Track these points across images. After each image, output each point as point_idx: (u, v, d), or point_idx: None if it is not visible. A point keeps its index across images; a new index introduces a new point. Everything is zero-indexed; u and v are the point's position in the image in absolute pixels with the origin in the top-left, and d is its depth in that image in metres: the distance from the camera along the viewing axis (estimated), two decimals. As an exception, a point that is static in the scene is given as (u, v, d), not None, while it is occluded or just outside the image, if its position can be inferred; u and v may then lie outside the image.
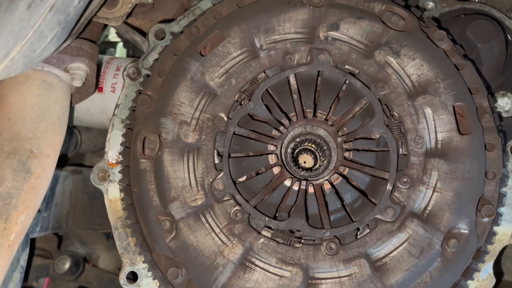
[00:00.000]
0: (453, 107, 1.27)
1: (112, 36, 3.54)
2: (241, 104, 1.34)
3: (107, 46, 3.28)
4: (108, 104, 1.93)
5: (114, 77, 1.94)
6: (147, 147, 1.33)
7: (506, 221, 1.39)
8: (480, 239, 1.28)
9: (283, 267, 1.24)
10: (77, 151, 2.41)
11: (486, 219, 1.27)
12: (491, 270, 1.38)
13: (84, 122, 2.05)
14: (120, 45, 3.37)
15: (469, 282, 1.33)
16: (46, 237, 2.43)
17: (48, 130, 1.45)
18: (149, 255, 1.36)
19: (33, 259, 2.35)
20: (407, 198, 1.25)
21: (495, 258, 1.40)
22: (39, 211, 1.96)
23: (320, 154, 1.42)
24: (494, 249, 1.37)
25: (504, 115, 1.47)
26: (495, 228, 1.33)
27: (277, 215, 1.30)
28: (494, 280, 1.39)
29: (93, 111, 1.98)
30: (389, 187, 1.24)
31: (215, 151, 1.31)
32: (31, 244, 2.15)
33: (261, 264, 1.25)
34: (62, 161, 2.37)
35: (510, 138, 1.43)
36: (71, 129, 2.32)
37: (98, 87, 1.92)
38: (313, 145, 1.43)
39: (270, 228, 1.28)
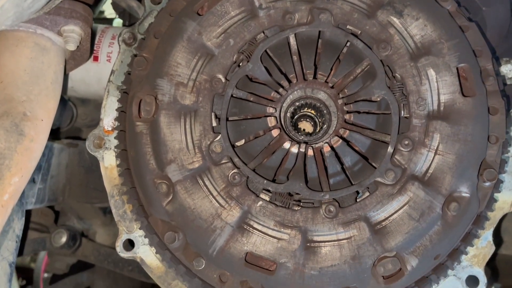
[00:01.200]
0: (457, 68, 1.24)
1: (108, 12, 3.48)
2: (239, 65, 1.30)
3: (103, 23, 3.23)
4: (104, 73, 1.89)
5: (110, 46, 1.89)
6: (143, 110, 1.30)
7: (507, 189, 1.37)
8: (481, 204, 1.27)
9: (282, 230, 1.22)
10: (73, 125, 2.38)
11: (487, 184, 1.25)
12: (490, 238, 1.37)
13: (79, 92, 2.01)
14: (116, 21, 3.31)
15: (468, 248, 1.31)
16: (42, 211, 2.42)
17: (41, 94, 1.42)
18: (145, 221, 1.34)
19: (29, 232, 2.34)
20: (408, 161, 1.23)
21: (495, 226, 1.38)
22: (34, 182, 1.94)
23: (320, 120, 1.40)
24: (494, 216, 1.36)
25: (508, 82, 1.44)
26: (496, 195, 1.32)
27: (275, 178, 1.28)
28: (493, 248, 1.37)
29: (88, 80, 1.94)
30: (390, 149, 1.22)
31: (212, 113, 1.28)
32: (27, 217, 2.13)
33: (259, 227, 1.23)
34: (58, 135, 2.34)
35: (513, 105, 1.40)
36: (66, 102, 2.29)
37: (93, 57, 1.88)
38: (313, 111, 1.40)
39: (268, 191, 1.26)
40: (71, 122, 2.35)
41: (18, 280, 3.50)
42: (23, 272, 3.78)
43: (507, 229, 2.03)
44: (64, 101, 2.25)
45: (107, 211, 2.47)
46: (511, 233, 2.03)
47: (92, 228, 2.47)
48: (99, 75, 1.91)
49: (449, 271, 1.31)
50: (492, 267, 2.17)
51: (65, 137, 2.33)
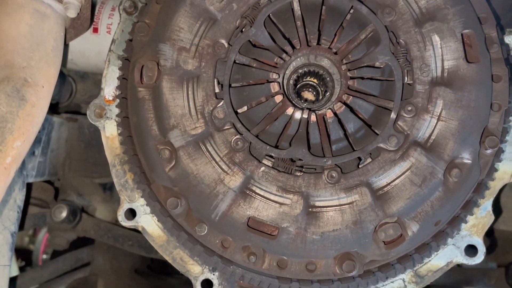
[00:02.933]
0: (462, 34, 1.23)
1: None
2: (242, 30, 1.29)
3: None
4: (104, 45, 1.87)
5: (110, 18, 1.87)
6: (145, 75, 1.29)
7: (508, 160, 1.38)
8: (482, 171, 1.27)
9: (284, 195, 1.23)
10: (72, 101, 2.37)
11: (489, 151, 1.25)
12: (490, 208, 1.38)
13: (79, 65, 1.99)
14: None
15: (468, 217, 1.33)
16: (42, 187, 2.42)
17: (42, 61, 1.41)
18: (147, 188, 1.34)
19: (30, 208, 2.34)
20: (411, 126, 1.23)
21: (494, 196, 1.39)
22: (34, 155, 1.94)
23: (322, 89, 1.39)
24: (494, 186, 1.37)
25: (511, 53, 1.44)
26: (497, 165, 1.32)
27: (278, 144, 1.28)
28: (492, 218, 1.39)
29: (88, 53, 1.92)
30: (393, 115, 1.22)
31: (215, 79, 1.27)
32: (28, 191, 2.13)
33: (262, 192, 1.24)
34: (57, 110, 2.33)
35: (517, 76, 1.40)
36: (65, 77, 2.27)
37: (93, 28, 1.86)
38: (315, 80, 1.39)
39: (271, 157, 1.26)
40: (70, 97, 2.34)
41: (17, 261, 3.52)
42: (22, 253, 3.80)
43: (505, 204, 2.05)
44: (63, 76, 2.24)
45: (106, 188, 2.47)
46: (509, 209, 2.05)
47: (92, 204, 2.48)
48: (99, 47, 1.89)
49: (449, 240, 1.33)
50: (490, 242, 2.20)
51: (64, 112, 2.32)
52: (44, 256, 3.47)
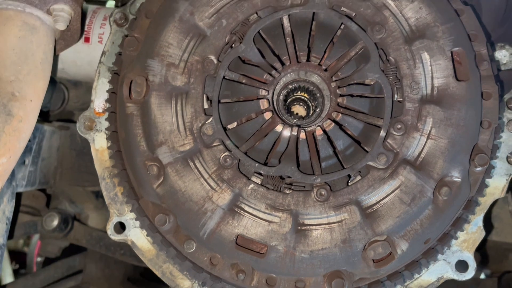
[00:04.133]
0: (451, 52, 1.23)
1: (101, -6, 3.42)
2: (231, 46, 1.28)
3: (95, 4, 3.17)
4: (95, 55, 1.85)
5: (101, 27, 1.86)
6: (134, 91, 1.28)
7: (498, 175, 1.37)
8: (472, 188, 1.27)
9: (273, 213, 1.22)
10: (64, 108, 2.36)
11: (479, 169, 1.25)
12: (481, 223, 1.38)
13: (70, 74, 1.98)
14: (109, 3, 3.25)
15: (458, 233, 1.32)
16: (34, 194, 2.41)
17: (30, 74, 1.39)
18: (136, 203, 1.33)
19: (20, 215, 2.32)
20: (400, 145, 1.22)
21: (485, 211, 1.39)
22: (24, 164, 1.92)
23: (313, 104, 1.39)
24: (485, 202, 1.36)
25: (502, 67, 1.43)
26: (487, 181, 1.32)
27: (267, 161, 1.27)
28: (483, 233, 1.38)
29: (79, 62, 1.91)
30: (382, 133, 1.21)
31: (204, 95, 1.27)
32: (18, 200, 2.12)
33: (250, 210, 1.23)
34: (48, 118, 2.32)
35: (507, 91, 1.40)
36: (57, 84, 2.26)
37: (85, 38, 1.84)
38: (306, 94, 1.39)
39: (260, 174, 1.26)
40: (62, 105, 2.32)
41: (11, 264, 3.50)
42: (17, 256, 3.78)
43: (498, 215, 2.05)
44: (54, 84, 2.22)
45: (99, 195, 2.46)
46: (502, 220, 2.05)
47: (84, 212, 2.46)
48: (90, 57, 1.88)
49: (439, 256, 1.32)
50: (482, 253, 2.20)
51: (56, 120, 2.31)
52: (39, 259, 3.45)
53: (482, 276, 2.33)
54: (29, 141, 1.94)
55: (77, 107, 2.37)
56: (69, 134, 2.20)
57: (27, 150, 1.93)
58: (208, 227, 1.23)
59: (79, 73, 1.95)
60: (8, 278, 2.90)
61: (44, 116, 2.27)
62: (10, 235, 2.02)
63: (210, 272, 1.27)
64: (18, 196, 2.17)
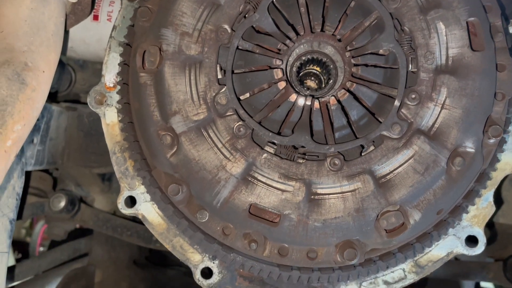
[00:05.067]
0: (467, 22, 1.22)
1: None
2: (245, 16, 1.28)
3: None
4: (104, 33, 1.86)
5: (110, 5, 1.86)
6: (147, 60, 1.28)
7: (509, 150, 1.37)
8: (485, 161, 1.27)
9: (286, 182, 1.22)
10: (71, 90, 2.36)
11: (492, 140, 1.25)
12: (491, 199, 1.38)
13: (78, 52, 1.98)
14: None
15: (470, 207, 1.32)
16: (41, 176, 2.41)
17: (42, 45, 1.39)
18: (148, 174, 1.33)
19: (28, 197, 2.33)
20: (414, 115, 1.22)
21: (496, 187, 1.39)
22: (33, 143, 1.92)
23: (325, 77, 1.39)
24: (496, 177, 1.36)
25: (516, 42, 1.43)
26: (499, 155, 1.32)
27: (281, 131, 1.27)
28: (493, 209, 1.38)
29: (88, 40, 1.91)
30: (396, 103, 1.21)
31: (218, 65, 1.26)
32: (26, 180, 2.12)
33: (264, 179, 1.23)
34: (56, 99, 2.32)
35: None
36: (65, 66, 2.26)
37: (93, 16, 1.84)
38: (318, 68, 1.38)
39: (273, 144, 1.26)
40: (70, 86, 2.32)
41: (14, 253, 3.51)
42: (19, 246, 3.78)
43: (505, 198, 2.05)
44: (62, 65, 2.22)
45: (105, 178, 2.46)
46: (509, 202, 2.05)
47: (90, 195, 2.47)
48: (99, 35, 1.88)
49: (450, 230, 1.32)
50: (489, 236, 2.20)
51: (63, 101, 2.31)
52: (41, 249, 3.46)
53: (487, 260, 2.33)
54: (38, 119, 1.94)
55: (84, 89, 2.37)
56: (77, 115, 2.20)
57: (36, 129, 1.93)
58: (221, 196, 1.23)
59: (88, 51, 1.95)
60: (10, 263, 2.91)
61: (52, 97, 2.27)
62: (19, 215, 2.02)
63: (222, 242, 1.27)
64: (27, 176, 2.17)
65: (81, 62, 2.32)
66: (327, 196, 1.22)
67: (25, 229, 4.05)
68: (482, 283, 2.81)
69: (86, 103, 2.26)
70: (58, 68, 1.62)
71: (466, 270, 2.27)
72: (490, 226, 2.16)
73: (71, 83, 2.32)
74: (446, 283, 2.40)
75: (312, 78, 1.42)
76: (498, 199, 2.02)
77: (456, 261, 2.32)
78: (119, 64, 1.43)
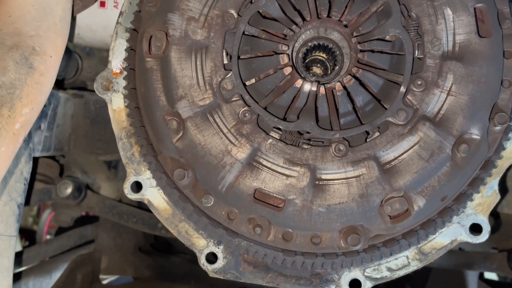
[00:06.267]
0: (474, 8, 1.22)
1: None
2: (252, 1, 1.28)
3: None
4: (111, 20, 1.86)
5: (117, -8, 1.86)
6: (154, 45, 1.29)
7: (515, 139, 1.36)
8: (490, 148, 1.27)
9: (291, 167, 1.23)
10: (78, 78, 2.37)
11: (498, 128, 1.25)
12: (496, 187, 1.38)
13: (85, 39, 1.98)
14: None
15: (474, 195, 1.32)
16: (48, 163, 2.43)
17: (50, 30, 1.40)
18: (154, 159, 1.34)
19: (35, 183, 2.35)
20: (420, 101, 1.22)
21: (501, 175, 1.39)
22: (40, 129, 1.94)
23: (331, 64, 1.38)
24: (501, 165, 1.36)
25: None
26: (504, 143, 1.31)
27: (286, 117, 1.28)
28: (498, 197, 1.38)
29: (95, 27, 1.91)
30: (402, 89, 1.21)
31: (224, 50, 1.27)
32: (34, 167, 2.14)
33: (269, 164, 1.24)
34: (63, 86, 2.33)
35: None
36: (71, 53, 2.27)
37: (100, 2, 1.85)
38: (324, 54, 1.38)
39: (278, 129, 1.26)
40: (76, 74, 2.34)
41: (21, 241, 3.55)
42: (26, 234, 3.83)
43: (510, 187, 2.05)
44: (69, 52, 2.23)
45: (111, 166, 2.48)
46: (512, 192, 2.04)
47: (97, 182, 2.49)
48: (105, 22, 1.88)
49: (454, 218, 1.33)
50: (493, 227, 2.20)
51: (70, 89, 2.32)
52: (48, 237, 3.50)
53: (491, 250, 2.33)
54: (45, 106, 1.96)
55: (90, 77, 2.38)
56: (83, 102, 2.21)
57: (43, 115, 1.95)
58: (226, 180, 1.24)
59: (95, 38, 1.96)
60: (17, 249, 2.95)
61: (58, 85, 2.28)
62: (26, 201, 2.05)
63: (227, 227, 1.29)
64: (34, 162, 2.20)
65: (88, 50, 2.33)
66: (331, 181, 1.22)
67: (32, 217, 4.10)
68: (486, 274, 2.81)
69: (92, 91, 2.28)
70: (65, 55, 1.64)
71: (470, 260, 2.27)
72: (494, 217, 2.16)
73: (78, 70, 2.34)
74: (449, 273, 2.41)
75: (318, 64, 1.42)
76: (503, 189, 2.02)
77: (460, 251, 2.32)
78: (125, 50, 1.43)
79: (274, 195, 1.24)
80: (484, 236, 1.37)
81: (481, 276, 2.61)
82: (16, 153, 1.27)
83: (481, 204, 1.36)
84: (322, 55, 1.39)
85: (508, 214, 2.10)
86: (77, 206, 2.38)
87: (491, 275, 2.95)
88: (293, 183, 1.22)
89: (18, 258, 2.31)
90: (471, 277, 2.45)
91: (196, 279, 2.41)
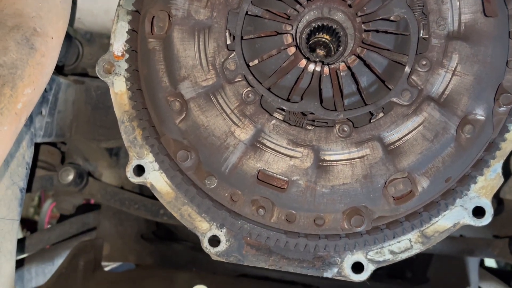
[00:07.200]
0: (480, -13, 1.20)
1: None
2: (255, -19, 1.26)
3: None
4: (111, 4, 1.85)
5: (118, -25, 1.84)
6: (156, 26, 1.28)
7: (519, 122, 1.36)
8: (495, 129, 1.26)
9: (294, 148, 1.22)
10: (78, 65, 2.36)
11: (503, 108, 1.24)
12: (500, 170, 1.37)
13: (86, 24, 1.97)
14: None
15: (478, 178, 1.32)
16: (49, 150, 2.43)
17: (51, 12, 1.39)
18: (156, 142, 1.34)
19: (37, 170, 2.35)
20: (425, 81, 1.21)
21: (505, 158, 1.38)
22: (42, 114, 1.93)
23: (335, 46, 1.37)
24: (505, 148, 1.36)
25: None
26: (509, 125, 1.31)
27: (290, 98, 1.27)
28: (502, 180, 1.38)
29: (96, 11, 1.90)
30: (407, 69, 1.20)
31: (227, 31, 1.26)
32: (35, 153, 2.14)
33: (272, 145, 1.23)
34: (64, 72, 2.32)
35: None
36: (72, 39, 2.25)
37: (101, -14, 1.83)
38: (328, 36, 1.37)
39: (282, 110, 1.25)
40: (77, 60, 2.32)
41: (22, 231, 3.56)
42: (27, 224, 3.84)
43: (512, 173, 2.04)
44: (69, 38, 2.22)
45: (113, 153, 2.48)
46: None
47: (98, 170, 2.49)
48: (106, 6, 1.87)
49: (457, 201, 1.32)
50: (495, 213, 2.20)
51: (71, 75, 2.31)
52: (49, 227, 3.51)
53: (492, 237, 2.34)
54: (46, 91, 1.95)
55: (91, 64, 2.36)
56: (84, 89, 2.21)
57: (44, 100, 1.94)
58: (230, 161, 1.24)
59: (95, 22, 1.94)
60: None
61: (59, 71, 2.27)
62: (28, 188, 2.05)
63: (230, 208, 1.28)
64: (36, 150, 2.19)
65: (88, 36, 2.31)
66: (335, 162, 1.22)
67: (33, 207, 4.11)
68: (487, 262, 2.82)
69: (93, 77, 2.27)
70: (65, 41, 1.62)
71: (471, 247, 2.27)
72: (496, 203, 2.16)
73: (78, 57, 2.32)
74: (450, 259, 2.41)
75: (322, 46, 1.41)
76: (506, 174, 2.01)
77: (461, 238, 2.32)
78: (127, 32, 1.42)
79: (278, 176, 1.23)
80: (487, 219, 1.37)
81: (481, 263, 2.62)
82: (18, 137, 1.26)
83: (484, 187, 1.36)
84: (325, 37, 1.38)
85: (510, 200, 2.09)
86: (79, 193, 2.38)
87: (491, 263, 2.96)
88: (297, 164, 1.22)
89: (21, 244, 2.31)
90: (472, 264, 2.45)
91: (198, 266, 2.42)
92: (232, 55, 1.24)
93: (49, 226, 3.60)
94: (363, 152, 1.21)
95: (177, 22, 1.26)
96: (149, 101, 1.33)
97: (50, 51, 1.34)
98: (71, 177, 2.28)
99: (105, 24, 1.93)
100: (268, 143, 1.24)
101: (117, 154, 2.48)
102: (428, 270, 2.41)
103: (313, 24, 1.30)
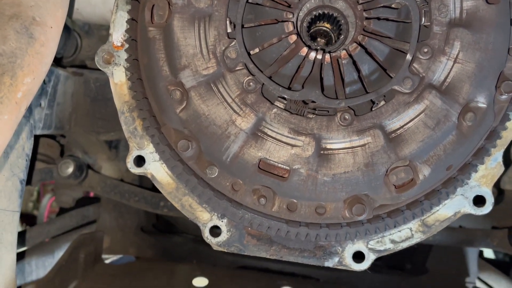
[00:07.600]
0: (482, -26, 1.20)
1: None
2: (256, -32, 1.25)
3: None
4: (110, -6, 1.84)
5: (116, -35, 1.83)
6: (156, 14, 1.27)
7: (520, 110, 1.36)
8: (496, 117, 1.26)
9: (296, 136, 1.22)
10: (77, 57, 2.34)
11: (504, 96, 1.24)
12: (500, 159, 1.37)
13: (84, 15, 1.96)
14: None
15: (479, 166, 1.32)
16: (48, 143, 2.42)
17: (50, 1, 1.37)
18: (157, 132, 1.33)
19: (36, 163, 2.34)
20: (426, 69, 1.21)
21: (505, 147, 1.38)
22: (41, 106, 1.92)
23: (335, 34, 1.37)
24: (506, 137, 1.36)
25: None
26: (510, 114, 1.31)
27: (291, 86, 1.26)
28: (502, 169, 1.38)
29: (94, 1, 1.89)
30: (408, 57, 1.20)
31: (227, 19, 1.25)
32: (35, 145, 2.13)
33: (273, 134, 1.23)
34: (62, 64, 2.31)
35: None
36: (71, 31, 2.24)
37: (99, -24, 1.82)
38: (329, 25, 1.36)
39: (283, 99, 1.25)
40: (75, 53, 2.31)
41: (21, 225, 3.56)
42: (26, 219, 3.84)
43: (512, 164, 2.05)
44: (68, 30, 2.20)
45: (112, 146, 2.47)
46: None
47: (97, 162, 2.48)
48: (105, -4, 1.86)
49: (458, 189, 1.32)
50: (495, 203, 2.20)
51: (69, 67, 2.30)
52: (48, 221, 3.50)
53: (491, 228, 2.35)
54: (45, 83, 1.94)
55: (90, 56, 2.35)
56: (83, 81, 2.20)
57: (43, 92, 1.93)
58: (231, 151, 1.24)
59: (94, 13, 1.93)
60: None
61: (57, 63, 2.26)
62: (28, 181, 2.04)
63: (231, 198, 1.28)
64: (35, 142, 2.18)
65: (87, 28, 2.30)
66: (336, 151, 1.22)
67: (33, 202, 4.10)
68: (485, 253, 2.84)
69: (92, 69, 2.26)
70: (64, 33, 1.61)
71: (471, 237, 2.28)
72: (495, 193, 2.16)
73: (77, 49, 2.31)
74: (450, 250, 2.42)
75: (323, 35, 1.40)
76: (507, 163, 2.02)
77: (460, 228, 2.33)
78: (127, 21, 1.41)
79: (279, 165, 1.23)
80: (487, 208, 1.38)
81: (480, 254, 2.63)
82: (17, 129, 1.25)
83: (485, 176, 1.36)
84: (326, 26, 1.37)
85: (510, 191, 2.10)
86: (79, 185, 2.37)
87: (490, 254, 2.98)
88: (298, 153, 1.21)
89: (21, 237, 2.31)
90: (471, 254, 2.47)
91: (198, 258, 2.43)
92: (233, 43, 1.23)
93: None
94: (364, 141, 1.21)
95: (177, 11, 1.25)
96: (149, 90, 1.32)
97: (49, 41, 1.33)
98: (70, 169, 2.27)
99: (103, 14, 1.91)
100: (269, 132, 1.23)
101: (117, 147, 2.48)
102: (427, 261, 2.42)
103: (314, 12, 1.29)
